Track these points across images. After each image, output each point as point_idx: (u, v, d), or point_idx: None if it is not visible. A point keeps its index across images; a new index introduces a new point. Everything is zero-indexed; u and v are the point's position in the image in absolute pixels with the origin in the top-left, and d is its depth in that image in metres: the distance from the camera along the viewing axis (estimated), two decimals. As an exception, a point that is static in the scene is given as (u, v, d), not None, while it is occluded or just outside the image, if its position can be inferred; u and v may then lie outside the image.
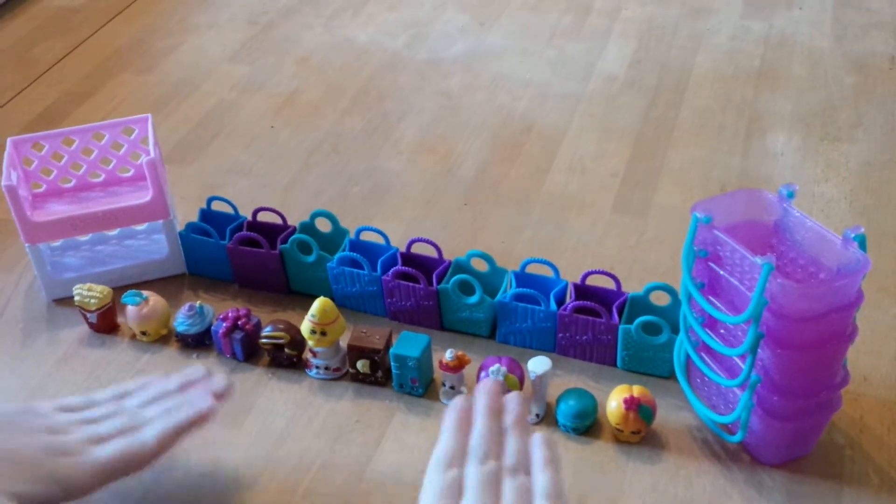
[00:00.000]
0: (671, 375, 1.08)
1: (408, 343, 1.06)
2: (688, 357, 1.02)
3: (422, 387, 1.08)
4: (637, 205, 1.40)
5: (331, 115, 1.66)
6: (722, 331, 0.98)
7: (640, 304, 1.11)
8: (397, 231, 1.32)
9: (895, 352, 1.13)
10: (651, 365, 1.09)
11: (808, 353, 0.88)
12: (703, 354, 1.01)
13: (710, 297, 0.96)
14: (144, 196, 1.20)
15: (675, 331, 1.05)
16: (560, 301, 1.13)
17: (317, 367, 1.11)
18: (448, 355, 1.04)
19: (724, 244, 0.92)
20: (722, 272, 0.94)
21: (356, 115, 1.65)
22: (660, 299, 1.11)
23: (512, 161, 1.50)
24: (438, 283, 1.15)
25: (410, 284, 1.14)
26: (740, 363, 0.95)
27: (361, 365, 1.08)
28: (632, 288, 1.13)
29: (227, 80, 1.79)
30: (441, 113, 1.65)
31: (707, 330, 0.98)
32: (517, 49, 1.85)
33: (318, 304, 1.06)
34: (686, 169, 1.47)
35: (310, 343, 1.08)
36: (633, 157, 1.50)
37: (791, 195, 0.95)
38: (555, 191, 1.43)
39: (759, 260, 0.85)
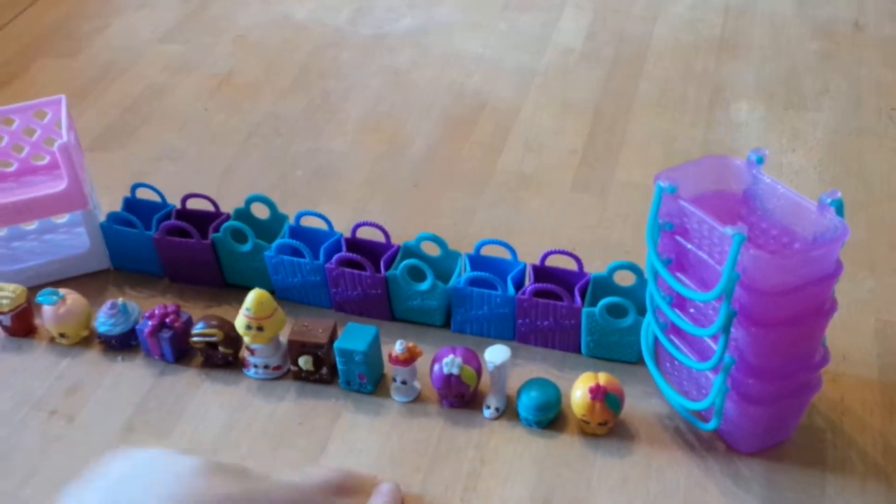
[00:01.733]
0: (639, 361, 1.03)
1: (354, 336, 0.99)
2: (656, 340, 0.97)
3: (371, 383, 1.01)
4: (598, 181, 1.35)
5: (270, 95, 1.59)
6: (692, 310, 0.92)
7: (604, 286, 1.05)
8: (343, 216, 1.25)
9: (874, 328, 1.08)
10: (617, 350, 1.03)
11: (785, 330, 0.83)
12: (672, 336, 0.95)
13: (678, 274, 0.91)
14: (59, 185, 1.11)
15: (642, 312, 1.00)
16: (518, 285, 1.07)
17: (255, 366, 1.03)
18: (398, 347, 0.97)
19: (691, 215, 0.86)
20: (689, 246, 0.88)
21: (297, 94, 1.58)
22: (625, 279, 1.06)
23: (464, 139, 1.45)
24: (386, 269, 1.08)
25: (356, 272, 1.07)
26: (712, 344, 0.89)
27: (304, 362, 1.00)
28: (595, 268, 1.08)
29: (158, 61, 1.70)
30: (388, 91, 1.59)
31: (676, 310, 0.92)
32: (468, 22, 1.79)
33: (253, 296, 0.99)
34: (647, 142, 1.43)
35: (246, 340, 1.01)
36: (591, 132, 1.46)
37: (760, 161, 0.90)
38: (510, 169, 1.38)
39: (728, 230, 0.79)
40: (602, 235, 1.24)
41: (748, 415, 0.89)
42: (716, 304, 0.86)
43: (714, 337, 0.88)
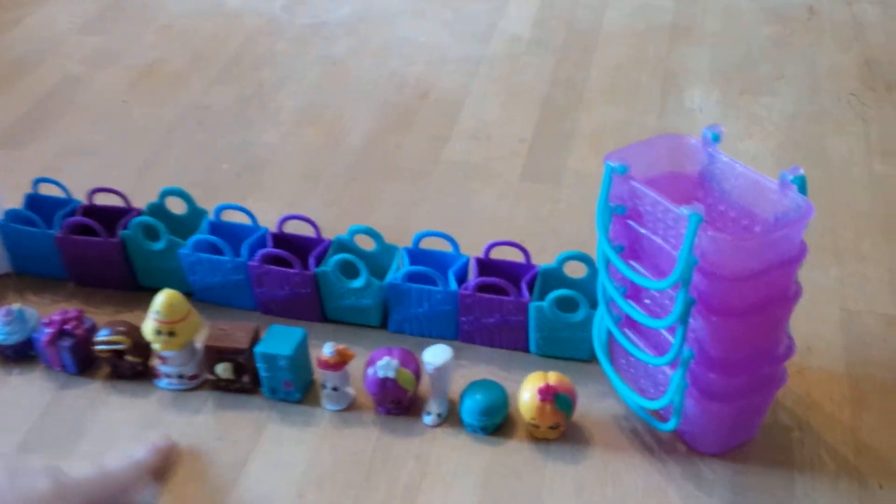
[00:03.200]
0: (592, 358, 0.97)
1: (278, 339, 0.91)
2: (609, 335, 0.90)
3: (298, 391, 0.93)
4: (548, 171, 1.30)
5: (196, 86, 1.50)
6: (647, 301, 0.85)
7: (554, 278, 0.99)
8: (275, 212, 1.17)
9: (839, 317, 1.03)
10: (569, 347, 0.97)
11: (747, 318, 0.77)
12: (626, 330, 0.88)
13: (632, 262, 0.84)
14: (-50, 180, 1.01)
15: (595, 306, 0.93)
16: (461, 279, 0.99)
17: (167, 376, 0.95)
18: (327, 350, 0.89)
19: (644, 197, 0.79)
20: (643, 230, 0.81)
21: (227, 85, 1.51)
22: (576, 271, 0.99)
23: (407, 129, 1.39)
24: (316, 266, 1.00)
25: (282, 269, 1.00)
26: (669, 337, 0.83)
27: (222, 369, 0.92)
28: (546, 261, 1.01)
29: (77, 52, 1.61)
30: (325, 80, 1.52)
31: (630, 301, 0.85)
32: (410, 10, 1.73)
33: (163, 297, 0.90)
34: (600, 131, 1.38)
35: (156, 346, 0.92)
36: (541, 121, 1.41)
37: (716, 138, 0.84)
38: (456, 160, 1.32)
39: (684, 210, 0.73)
40: (554, 226, 1.19)
41: (710, 412, 0.83)
42: (672, 292, 0.79)
43: (671, 329, 0.82)
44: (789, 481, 0.85)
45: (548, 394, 0.86)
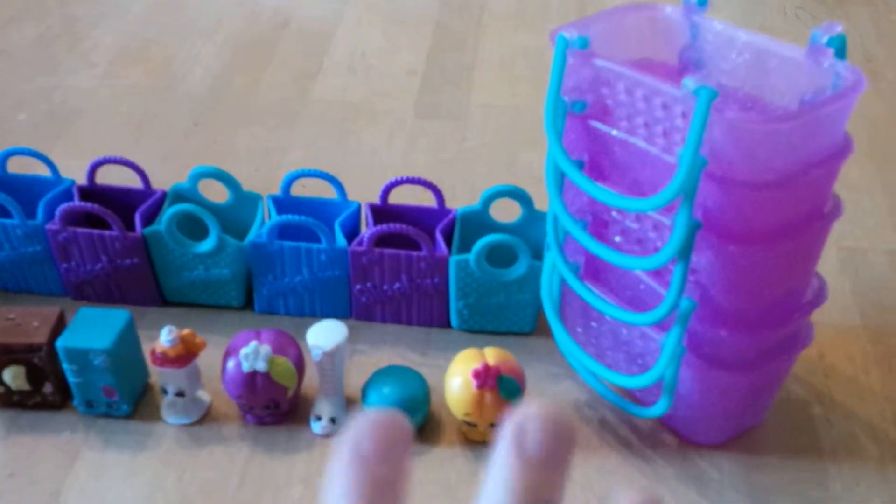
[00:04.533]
0: (537, 330, 0.81)
1: (90, 327, 0.73)
2: (564, 290, 0.70)
3: (126, 401, 0.75)
4: (449, 106, 1.16)
5: (-15, 25, 1.29)
6: (617, 238, 0.66)
7: (477, 224, 0.82)
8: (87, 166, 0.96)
9: (838, 258, 0.91)
10: (504, 317, 0.81)
11: (775, 246, 0.59)
12: (589, 282, 0.68)
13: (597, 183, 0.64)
14: None
15: (538, 256, 0.76)
16: (351, 234, 0.81)
17: (-73, 391, 0.72)
18: (164, 338, 0.68)
19: (616, 81, 0.61)
20: (615, 132, 0.62)
21: (26, 23, 1.34)
22: (507, 213, 0.83)
23: (264, 65, 1.24)
24: (146, 225, 0.78)
25: (96, 232, 0.80)
26: (656, 285, 0.64)
27: (12, 376, 0.75)
28: (460, 206, 0.84)
29: None
30: (153, 13, 1.36)
31: (594, 237, 0.65)
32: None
33: None
34: (509, 58, 1.27)
35: None
36: (435, 50, 1.28)
37: (703, 2, 0.65)
38: (330, 98, 1.18)
39: (689, 85, 0.53)
40: (463, 169, 1.05)
41: (716, 388, 0.66)
42: (663, 217, 0.60)
43: (657, 273, 0.63)
44: (821, 473, 0.72)
45: (487, 377, 0.70)
